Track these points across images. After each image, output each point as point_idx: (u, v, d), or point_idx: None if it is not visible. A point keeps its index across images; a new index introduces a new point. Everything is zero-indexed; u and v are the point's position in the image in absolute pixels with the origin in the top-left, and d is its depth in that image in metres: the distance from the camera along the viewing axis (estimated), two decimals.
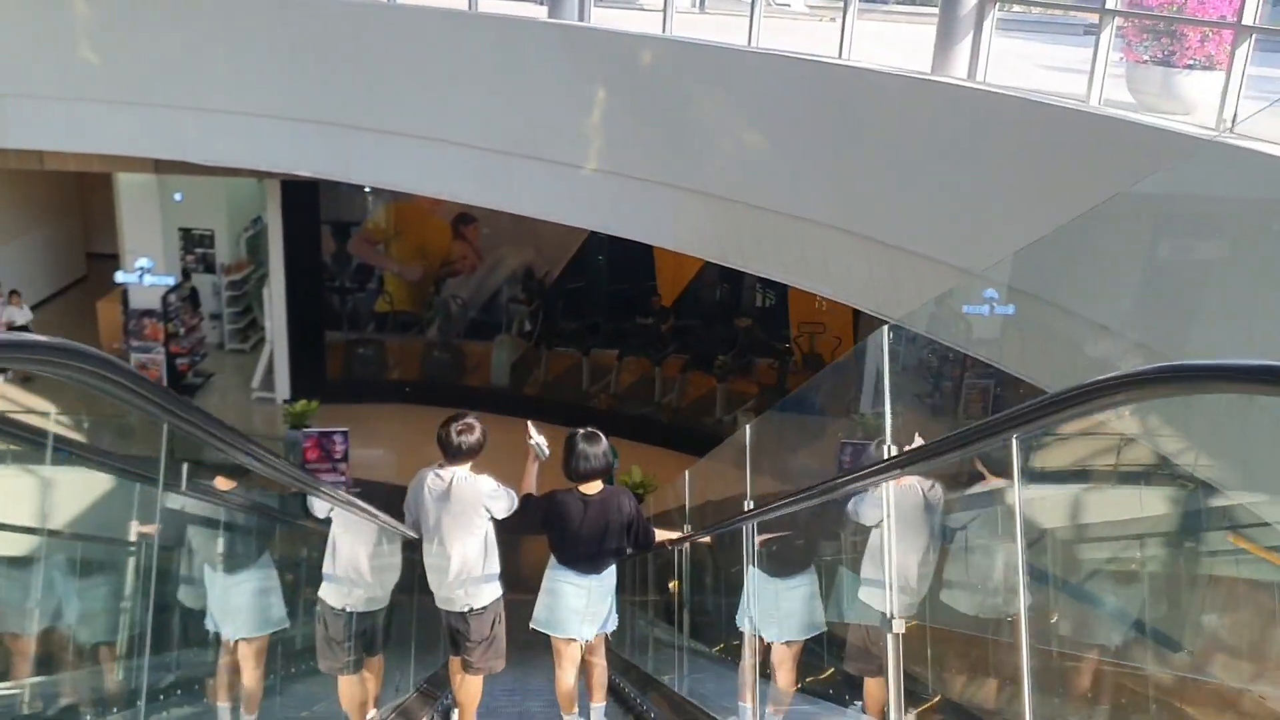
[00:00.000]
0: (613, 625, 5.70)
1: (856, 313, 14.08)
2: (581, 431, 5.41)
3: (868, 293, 8.41)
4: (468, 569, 5.19)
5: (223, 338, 18.78)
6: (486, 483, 5.20)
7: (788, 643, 5.24)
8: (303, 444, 13.25)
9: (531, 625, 5.53)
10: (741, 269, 9.46)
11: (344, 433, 13.37)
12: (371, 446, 16.13)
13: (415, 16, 10.83)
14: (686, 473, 7.45)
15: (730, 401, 16.39)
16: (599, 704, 5.76)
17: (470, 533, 5.19)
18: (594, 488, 5.38)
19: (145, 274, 16.44)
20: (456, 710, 5.71)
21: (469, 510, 5.16)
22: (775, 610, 5.29)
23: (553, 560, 5.54)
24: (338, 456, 13.20)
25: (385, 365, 18.04)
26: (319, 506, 4.98)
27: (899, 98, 7.91)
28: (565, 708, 5.72)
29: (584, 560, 5.43)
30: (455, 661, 5.54)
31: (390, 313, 18.01)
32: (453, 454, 5.14)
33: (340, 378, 17.57)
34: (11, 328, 16.39)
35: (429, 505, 5.18)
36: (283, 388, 16.81)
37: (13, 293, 16.79)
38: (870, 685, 4.53)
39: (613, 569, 5.56)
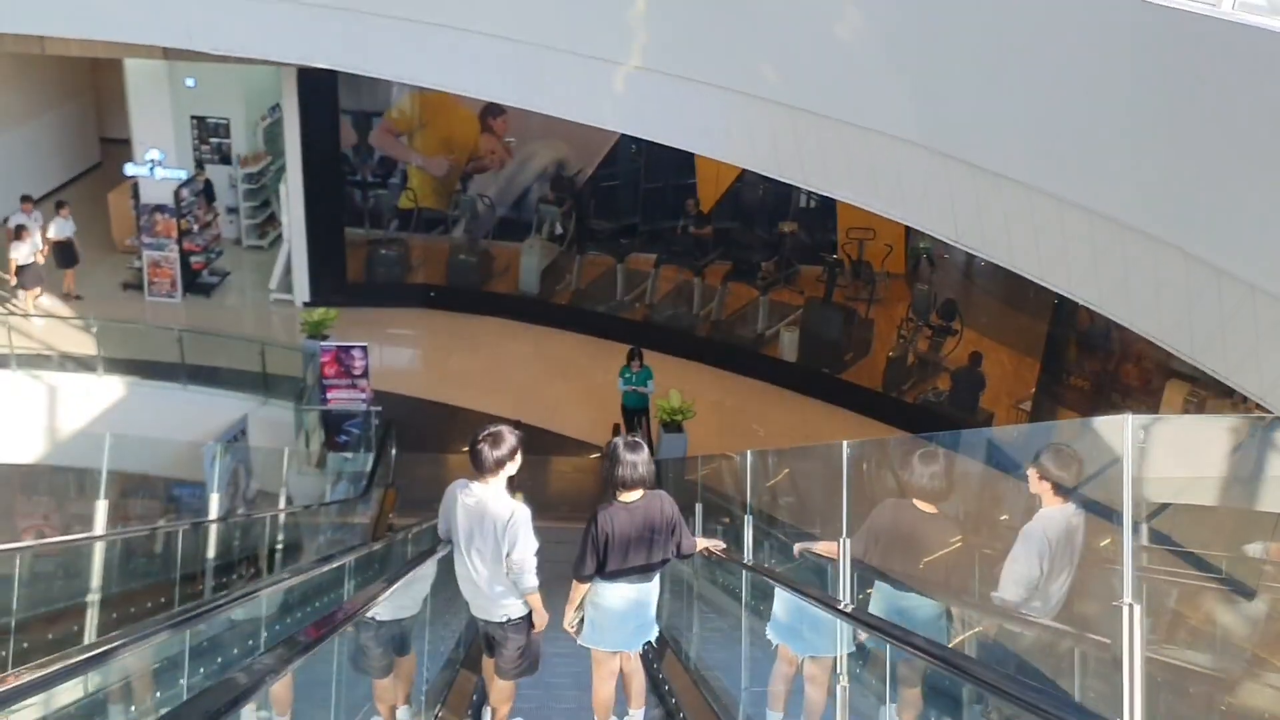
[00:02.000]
0: (654, 634, 5.43)
1: None
2: (623, 440, 5.07)
3: (946, 218, 7.43)
4: (503, 583, 4.94)
5: (240, 233, 18.00)
6: (524, 516, 4.81)
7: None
8: (320, 357, 12.52)
9: (580, 641, 5.24)
10: (800, 185, 8.45)
11: (363, 348, 12.64)
12: (393, 354, 15.46)
13: None
14: (749, 454, 6.59)
15: (773, 314, 15.46)
16: (638, 710, 5.47)
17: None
18: (634, 494, 5.00)
19: (156, 166, 15.63)
20: (489, 710, 5.49)
21: (500, 532, 4.82)
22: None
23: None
24: (357, 373, 12.48)
25: (408, 267, 17.19)
26: None
27: None
28: (602, 718, 5.39)
29: (630, 572, 5.05)
30: (489, 664, 5.34)
31: (414, 210, 17.07)
32: (488, 469, 4.79)
33: (362, 279, 16.77)
34: (58, 241, 15.59)
35: (462, 522, 4.90)
36: (301, 290, 16.12)
37: (59, 204, 15.99)
38: None
39: (658, 577, 5.23)
